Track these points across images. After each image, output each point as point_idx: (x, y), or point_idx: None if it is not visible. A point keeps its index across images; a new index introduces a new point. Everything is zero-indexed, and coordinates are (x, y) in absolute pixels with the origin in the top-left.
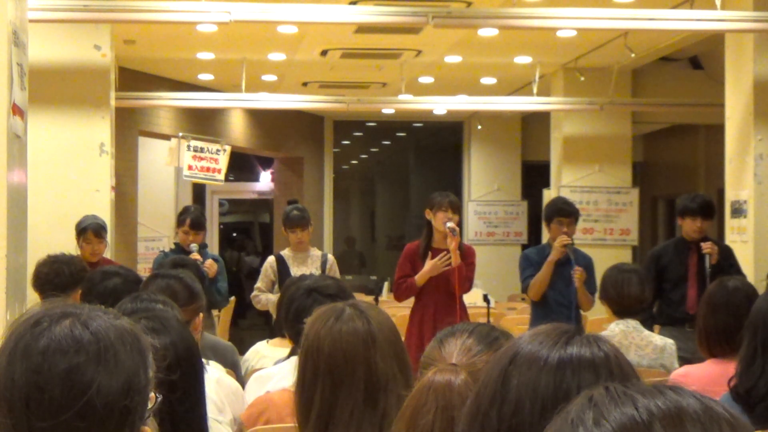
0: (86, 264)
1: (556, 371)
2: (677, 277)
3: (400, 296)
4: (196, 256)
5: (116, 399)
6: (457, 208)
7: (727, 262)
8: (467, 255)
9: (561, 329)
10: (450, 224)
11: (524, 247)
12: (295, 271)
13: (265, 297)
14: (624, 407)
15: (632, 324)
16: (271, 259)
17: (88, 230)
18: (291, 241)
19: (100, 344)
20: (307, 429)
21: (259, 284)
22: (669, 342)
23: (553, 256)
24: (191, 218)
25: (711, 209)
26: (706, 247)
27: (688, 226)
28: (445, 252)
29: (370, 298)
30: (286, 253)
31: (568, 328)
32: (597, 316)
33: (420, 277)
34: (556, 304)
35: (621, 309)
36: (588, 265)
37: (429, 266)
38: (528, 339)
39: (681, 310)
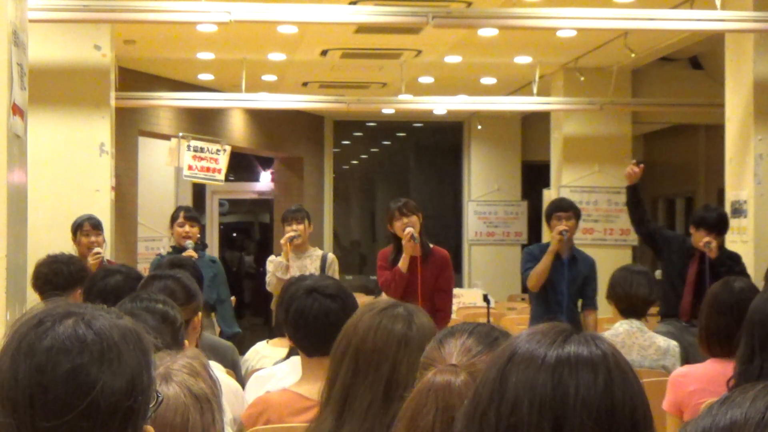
0: (86, 264)
1: (554, 370)
2: (675, 275)
3: (396, 289)
4: (191, 253)
5: (120, 399)
6: (411, 211)
7: (737, 265)
8: (442, 266)
9: (558, 328)
10: (408, 229)
11: (524, 247)
12: (294, 271)
13: (270, 272)
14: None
15: (636, 324)
16: (271, 257)
17: (85, 222)
18: (281, 243)
19: (104, 344)
20: (326, 409)
21: (269, 275)
22: (672, 344)
23: (552, 246)
24: (184, 210)
25: (725, 225)
26: (707, 239)
27: (700, 237)
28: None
29: (369, 298)
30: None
31: (566, 327)
32: (600, 315)
33: (402, 265)
34: (555, 303)
35: (628, 309)
36: (590, 267)
37: (404, 252)
38: (525, 338)
39: (674, 313)
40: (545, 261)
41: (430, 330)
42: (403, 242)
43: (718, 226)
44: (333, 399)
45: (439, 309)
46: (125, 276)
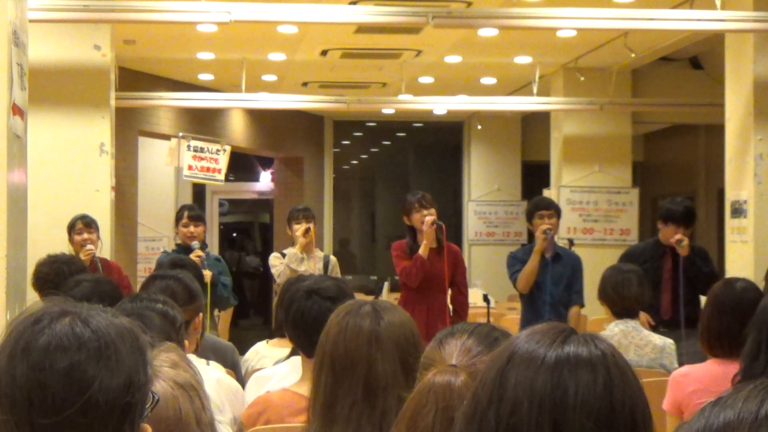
0: (85, 264)
1: (553, 370)
2: (651, 282)
3: (417, 275)
4: (199, 253)
5: (118, 396)
6: (430, 203)
7: (704, 263)
8: (456, 260)
9: (558, 328)
10: (428, 218)
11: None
12: (306, 269)
13: (284, 263)
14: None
15: (631, 324)
16: (275, 253)
17: (77, 221)
18: (296, 236)
19: (101, 341)
20: (314, 417)
21: (275, 269)
22: (668, 342)
23: (537, 245)
24: (188, 210)
25: (693, 216)
26: (678, 236)
27: (670, 232)
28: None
29: (369, 299)
30: (289, 251)
31: (565, 327)
32: (597, 316)
33: (422, 251)
34: (542, 303)
35: (620, 309)
36: (575, 264)
37: (425, 239)
38: (525, 338)
39: (654, 315)
40: (532, 261)
41: (401, 323)
42: (425, 228)
43: (686, 219)
44: (317, 407)
45: (463, 302)
46: (94, 283)
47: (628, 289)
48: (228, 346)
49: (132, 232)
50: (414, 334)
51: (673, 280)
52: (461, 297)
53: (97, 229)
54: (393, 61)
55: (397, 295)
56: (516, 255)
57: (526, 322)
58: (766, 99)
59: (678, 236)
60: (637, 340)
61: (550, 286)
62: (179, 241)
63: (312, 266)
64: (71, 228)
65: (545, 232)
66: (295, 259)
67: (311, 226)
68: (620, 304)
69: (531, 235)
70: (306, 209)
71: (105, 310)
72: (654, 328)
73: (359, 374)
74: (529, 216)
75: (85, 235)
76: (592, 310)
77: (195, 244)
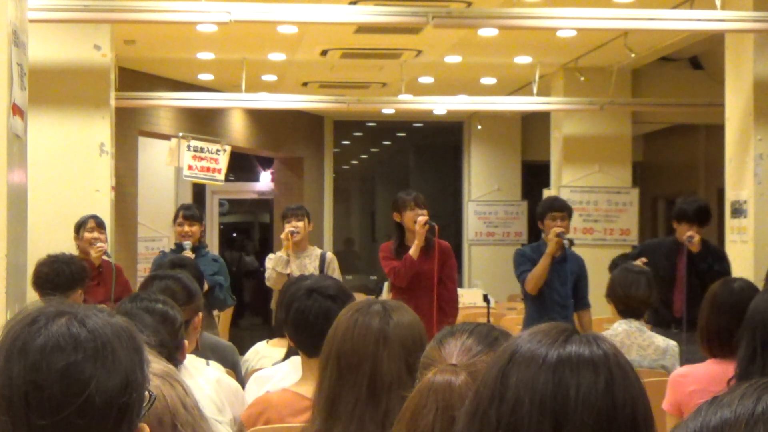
0: (87, 264)
1: (554, 370)
2: (665, 279)
3: (405, 276)
4: (189, 254)
5: (115, 396)
6: (424, 204)
7: (716, 262)
8: (445, 257)
9: (560, 328)
10: (421, 218)
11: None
12: (294, 270)
13: (270, 267)
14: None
15: (635, 324)
16: (270, 255)
17: (90, 219)
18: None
19: (98, 341)
20: (317, 412)
21: (266, 272)
22: (672, 344)
23: (550, 248)
24: (183, 210)
25: (707, 215)
26: (690, 233)
27: (683, 231)
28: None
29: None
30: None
31: (567, 327)
32: (598, 315)
33: (413, 251)
34: (551, 302)
35: (627, 309)
36: (582, 267)
37: (417, 239)
38: (527, 337)
39: (668, 312)
40: (544, 263)
41: (409, 324)
42: (417, 228)
43: (699, 217)
44: (320, 403)
45: (448, 300)
46: None
47: (636, 289)
48: (228, 345)
49: (132, 232)
50: (422, 335)
51: (687, 278)
52: (447, 293)
53: (105, 231)
54: (393, 61)
55: None
56: (524, 253)
57: (532, 321)
58: (766, 99)
59: (689, 233)
60: (640, 341)
61: (559, 286)
62: (177, 241)
63: (299, 267)
64: (81, 225)
65: (559, 235)
66: (280, 262)
67: (297, 227)
68: (626, 303)
69: (531, 235)
70: (297, 208)
71: (101, 310)
72: (667, 327)
73: (364, 372)
74: (541, 216)
75: (96, 234)
76: (594, 310)
77: (187, 244)
